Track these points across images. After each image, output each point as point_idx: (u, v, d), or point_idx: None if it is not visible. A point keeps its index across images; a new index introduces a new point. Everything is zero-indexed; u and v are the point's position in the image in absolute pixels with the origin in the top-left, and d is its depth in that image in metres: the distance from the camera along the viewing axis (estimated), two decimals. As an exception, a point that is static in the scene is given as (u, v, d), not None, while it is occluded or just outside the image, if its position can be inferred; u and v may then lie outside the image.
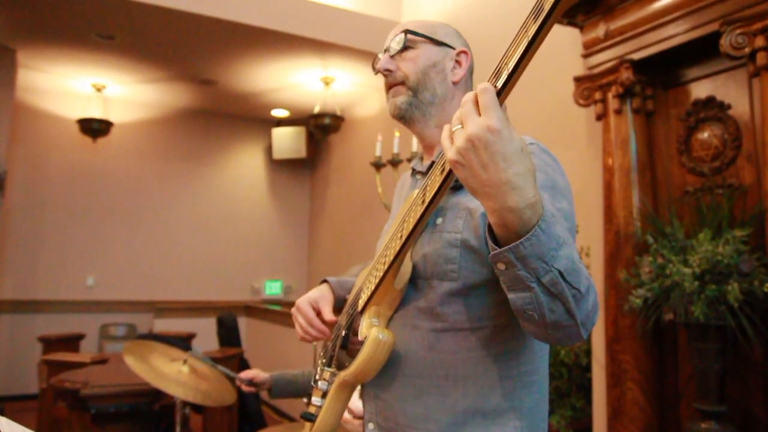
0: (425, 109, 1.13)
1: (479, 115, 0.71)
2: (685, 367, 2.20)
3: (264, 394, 2.22)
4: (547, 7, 0.66)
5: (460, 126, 0.74)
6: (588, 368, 2.63)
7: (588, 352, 2.64)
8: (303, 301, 1.23)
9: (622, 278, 2.20)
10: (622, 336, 2.27)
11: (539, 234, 0.73)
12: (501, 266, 0.77)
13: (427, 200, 0.90)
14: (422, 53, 1.13)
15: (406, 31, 1.13)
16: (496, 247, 0.76)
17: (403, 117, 1.15)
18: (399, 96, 1.14)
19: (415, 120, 1.15)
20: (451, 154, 0.74)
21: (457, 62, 1.15)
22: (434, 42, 1.14)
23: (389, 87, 1.16)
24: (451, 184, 0.88)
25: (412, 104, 1.13)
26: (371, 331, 1.02)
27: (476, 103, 0.72)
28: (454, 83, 1.14)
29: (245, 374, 2.16)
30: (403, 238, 0.96)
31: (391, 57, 1.15)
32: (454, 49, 1.15)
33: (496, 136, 0.70)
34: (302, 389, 2.16)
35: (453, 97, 1.15)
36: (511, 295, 0.80)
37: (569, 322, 0.80)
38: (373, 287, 1.06)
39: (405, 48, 1.13)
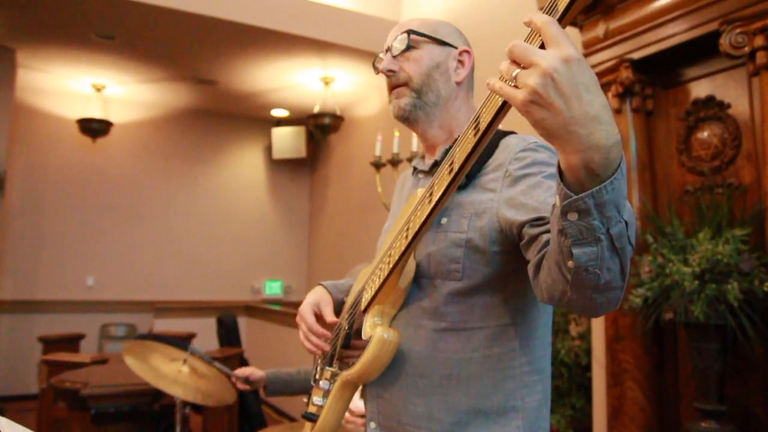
0: (429, 111, 1.12)
1: (546, 47, 0.65)
2: (685, 367, 2.20)
3: (261, 392, 2.22)
4: (561, 6, 0.65)
5: (518, 70, 0.67)
6: (588, 368, 2.63)
7: (588, 352, 2.64)
8: (305, 308, 1.21)
9: (622, 278, 2.20)
10: (622, 335, 2.27)
11: (620, 178, 0.67)
12: (573, 216, 0.69)
13: (435, 199, 0.89)
14: (425, 54, 1.12)
15: (409, 31, 1.12)
16: (571, 193, 0.68)
17: (407, 119, 1.14)
18: (403, 98, 1.12)
19: (419, 121, 1.14)
20: (523, 95, 0.65)
21: (460, 62, 1.14)
22: (437, 42, 1.13)
23: (392, 88, 1.15)
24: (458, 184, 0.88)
25: (416, 106, 1.12)
26: (376, 330, 1.01)
27: (535, 37, 0.67)
28: (458, 83, 1.14)
29: (241, 371, 2.17)
30: (409, 238, 0.96)
31: (394, 57, 1.13)
32: (456, 48, 1.14)
33: (576, 66, 0.63)
34: (298, 388, 2.17)
35: (456, 98, 1.14)
36: (576, 250, 0.72)
37: (619, 284, 0.76)
38: (376, 286, 1.06)
39: (408, 48, 1.12)
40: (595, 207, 0.68)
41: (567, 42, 0.64)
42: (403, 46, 1.12)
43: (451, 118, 1.14)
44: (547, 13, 0.66)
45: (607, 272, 0.73)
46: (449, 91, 1.13)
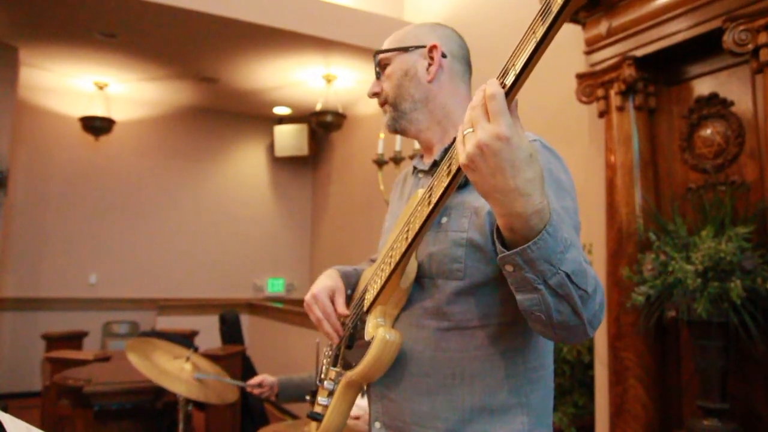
0: (410, 117, 1.17)
1: (488, 119, 0.72)
2: (688, 365, 2.20)
3: (274, 399, 2.27)
4: (555, 9, 0.65)
5: (471, 129, 0.74)
6: (590, 366, 2.63)
7: (590, 350, 2.64)
8: (321, 292, 1.19)
9: (625, 275, 2.20)
10: (624, 333, 2.27)
11: (546, 238, 0.75)
12: (509, 268, 0.79)
13: (434, 201, 0.89)
14: (396, 67, 1.17)
15: (376, 54, 1.19)
16: (504, 250, 0.78)
17: (395, 131, 1.20)
18: (386, 114, 1.20)
19: (407, 130, 1.19)
20: (462, 158, 0.75)
21: (431, 58, 1.15)
22: (404, 50, 1.16)
23: (381, 107, 1.22)
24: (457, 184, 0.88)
25: (396, 118, 1.18)
26: (378, 331, 1.02)
27: (485, 106, 0.73)
28: (430, 81, 1.15)
29: (253, 381, 2.25)
30: (409, 239, 0.96)
31: (378, 80, 1.21)
32: (425, 47, 1.15)
33: (504, 143, 0.71)
34: (309, 392, 2.19)
35: (436, 95, 1.15)
36: (518, 296, 0.82)
37: (576, 322, 0.82)
38: (378, 287, 1.06)
39: (383, 68, 1.19)
40: (525, 263, 0.76)
41: (503, 119, 0.71)
42: (378, 69, 1.20)
43: (437, 116, 1.16)
44: (541, 16, 0.67)
45: (557, 314, 0.81)
46: (423, 92, 1.15)
